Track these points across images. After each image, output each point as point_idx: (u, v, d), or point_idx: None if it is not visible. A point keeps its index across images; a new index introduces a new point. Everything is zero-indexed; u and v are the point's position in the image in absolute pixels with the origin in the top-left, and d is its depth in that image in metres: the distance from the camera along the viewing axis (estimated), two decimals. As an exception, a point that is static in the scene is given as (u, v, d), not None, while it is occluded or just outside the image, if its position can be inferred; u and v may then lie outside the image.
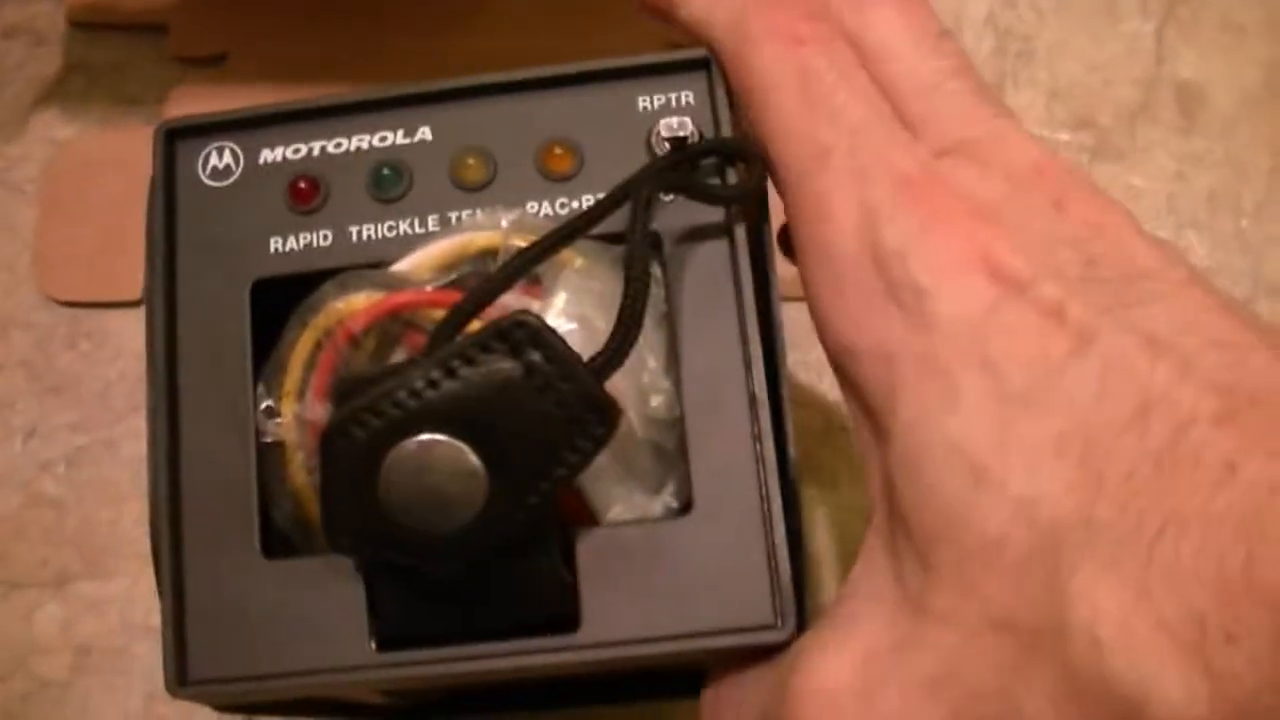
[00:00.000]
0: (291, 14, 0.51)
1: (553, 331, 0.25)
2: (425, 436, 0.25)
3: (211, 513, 0.28)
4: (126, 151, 0.50)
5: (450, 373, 0.25)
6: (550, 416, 0.25)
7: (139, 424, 0.47)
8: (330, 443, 0.26)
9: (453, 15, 0.49)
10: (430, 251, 0.28)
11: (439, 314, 0.28)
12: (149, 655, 0.46)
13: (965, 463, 0.23)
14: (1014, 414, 0.23)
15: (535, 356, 0.25)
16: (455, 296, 0.27)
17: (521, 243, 0.27)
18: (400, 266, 0.28)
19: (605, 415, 0.26)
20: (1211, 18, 0.51)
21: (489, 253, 0.28)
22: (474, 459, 0.25)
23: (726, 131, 0.29)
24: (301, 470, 0.28)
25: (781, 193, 0.27)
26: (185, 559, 0.28)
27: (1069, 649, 0.21)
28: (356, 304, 0.28)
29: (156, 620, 0.45)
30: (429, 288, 0.28)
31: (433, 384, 0.25)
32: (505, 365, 0.25)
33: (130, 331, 0.48)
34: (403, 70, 0.48)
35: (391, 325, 0.28)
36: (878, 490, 0.25)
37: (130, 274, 0.48)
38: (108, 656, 0.46)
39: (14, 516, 0.47)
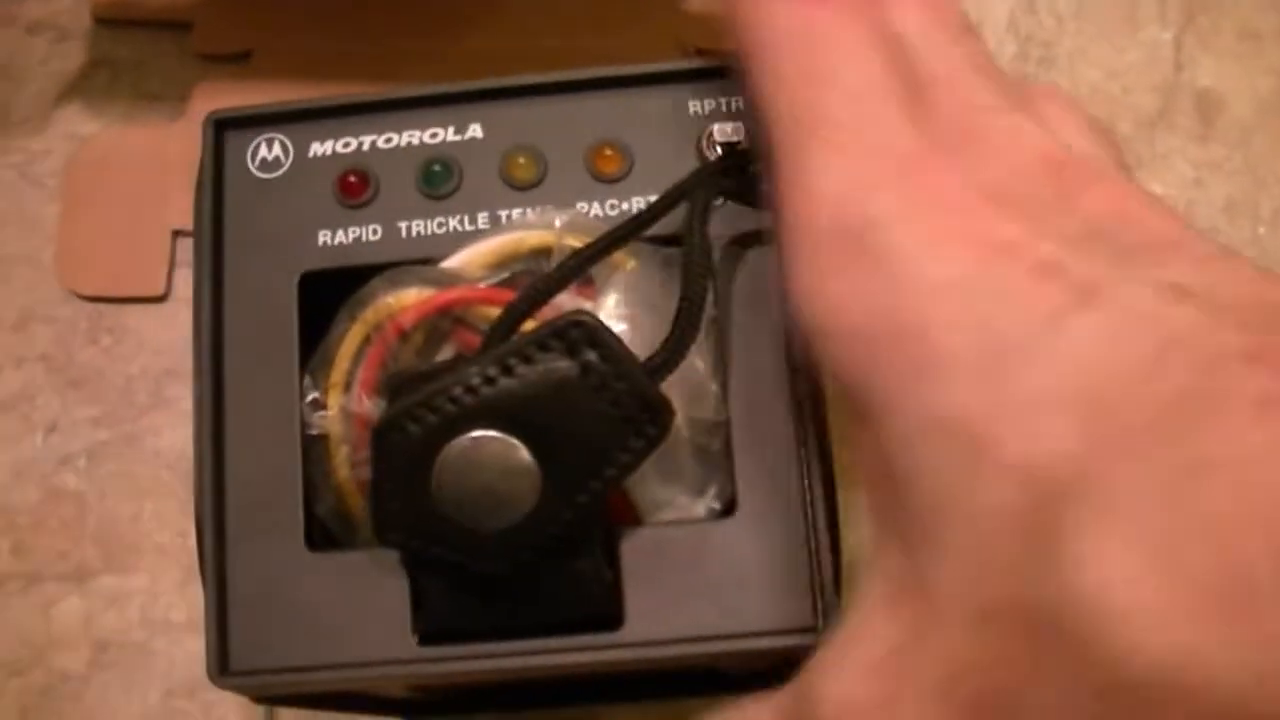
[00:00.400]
0: (316, 13, 0.51)
1: (609, 331, 0.26)
2: (479, 433, 0.25)
3: (256, 504, 0.28)
4: (148, 147, 0.50)
5: (507, 370, 0.25)
6: (604, 416, 0.26)
7: (160, 419, 0.48)
8: (384, 437, 0.26)
9: (473, 16, 0.50)
10: (481, 249, 0.28)
11: (489, 311, 0.28)
12: (169, 651, 0.46)
13: (959, 432, 0.21)
14: (1007, 373, 0.20)
15: (591, 356, 0.25)
16: (507, 294, 0.27)
17: (575, 242, 0.28)
18: (451, 263, 0.28)
19: (659, 415, 0.26)
20: (1230, 26, 0.51)
21: (541, 251, 0.28)
22: (527, 456, 0.25)
23: None
24: (345, 464, 0.28)
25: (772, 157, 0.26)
26: (229, 549, 0.28)
27: (1078, 626, 0.18)
28: (407, 299, 0.28)
29: (177, 616, 0.46)
30: (481, 285, 0.28)
31: (489, 381, 0.25)
32: (562, 364, 0.25)
33: (151, 327, 0.48)
34: (424, 70, 0.48)
35: (440, 321, 0.28)
36: (875, 477, 0.23)
37: (152, 270, 0.48)
38: (127, 651, 0.46)
39: (34, 510, 0.47)
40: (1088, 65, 0.50)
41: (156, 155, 0.49)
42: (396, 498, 0.26)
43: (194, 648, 0.46)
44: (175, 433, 0.47)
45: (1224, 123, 0.50)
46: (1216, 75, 0.50)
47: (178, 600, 0.46)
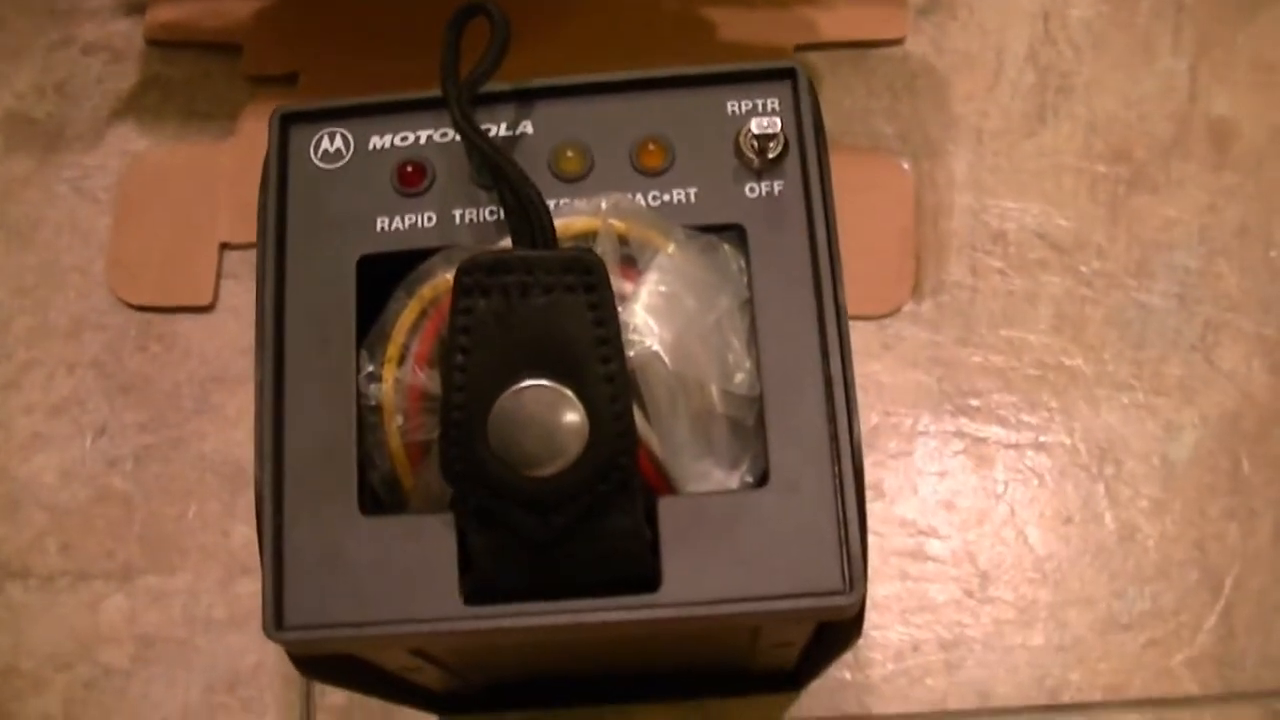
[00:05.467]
0: (360, 39, 0.53)
1: (492, 250, 0.28)
2: (513, 389, 0.27)
3: (313, 470, 0.30)
4: (198, 164, 0.52)
5: (465, 330, 0.27)
6: (557, 305, 0.27)
7: (205, 424, 0.49)
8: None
9: (517, 41, 0.51)
10: (531, 231, 0.30)
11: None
12: (210, 647, 0.47)
13: None
14: None
15: (506, 279, 0.27)
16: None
17: (618, 224, 0.29)
18: (504, 244, 0.30)
19: (587, 263, 0.27)
20: (1243, 57, 0.53)
21: (587, 235, 0.30)
22: (559, 386, 0.27)
23: (809, 137, 0.31)
24: (398, 433, 0.30)
25: None
26: (286, 512, 0.29)
27: None
28: (463, 277, 0.29)
29: (218, 614, 0.47)
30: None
31: (464, 351, 0.27)
32: (487, 303, 0.27)
33: (199, 336, 0.50)
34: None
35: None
36: None
37: (200, 281, 0.50)
38: (169, 647, 0.47)
39: (83, 510, 0.49)
40: (1105, 94, 0.52)
41: (205, 171, 0.51)
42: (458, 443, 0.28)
43: (235, 644, 0.47)
44: (219, 437, 0.49)
45: (1237, 150, 0.51)
46: (1230, 104, 0.52)
47: (219, 599, 0.48)
